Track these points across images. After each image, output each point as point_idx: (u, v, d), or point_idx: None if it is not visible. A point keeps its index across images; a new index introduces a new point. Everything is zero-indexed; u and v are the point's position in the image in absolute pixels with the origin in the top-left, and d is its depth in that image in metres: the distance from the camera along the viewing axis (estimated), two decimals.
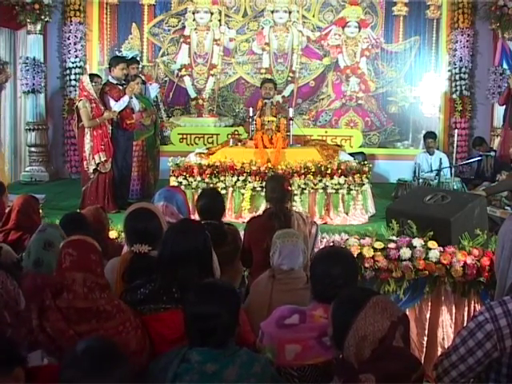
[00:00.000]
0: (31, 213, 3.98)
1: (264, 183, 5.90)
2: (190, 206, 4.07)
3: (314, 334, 2.21)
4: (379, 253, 4.54)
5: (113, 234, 4.69)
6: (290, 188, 4.02)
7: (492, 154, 7.77)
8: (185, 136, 9.16)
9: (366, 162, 6.48)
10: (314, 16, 9.10)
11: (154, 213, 2.96)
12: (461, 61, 8.83)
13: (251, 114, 6.85)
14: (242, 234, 4.66)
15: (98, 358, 1.65)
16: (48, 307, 2.22)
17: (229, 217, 6.00)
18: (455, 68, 8.88)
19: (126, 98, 6.50)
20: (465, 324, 4.43)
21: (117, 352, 1.71)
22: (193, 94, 9.17)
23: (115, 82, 6.65)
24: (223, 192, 6.04)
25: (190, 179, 6.07)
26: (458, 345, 2.09)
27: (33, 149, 8.72)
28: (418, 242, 4.55)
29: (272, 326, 2.29)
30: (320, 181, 6.01)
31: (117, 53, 8.77)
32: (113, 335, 2.24)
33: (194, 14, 9.06)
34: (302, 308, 2.37)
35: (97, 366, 1.62)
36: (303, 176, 5.97)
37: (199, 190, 5.70)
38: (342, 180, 6.00)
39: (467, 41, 8.80)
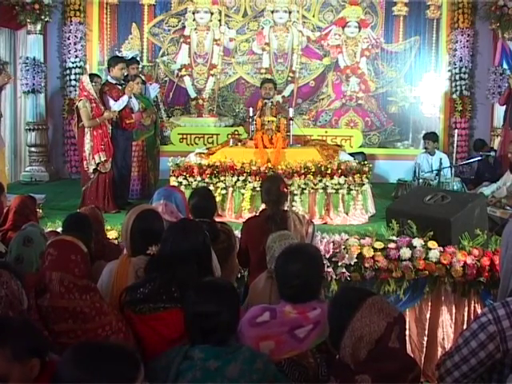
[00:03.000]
0: (28, 213, 3.98)
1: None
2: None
3: (286, 328, 2.23)
4: (379, 253, 4.54)
5: (112, 234, 4.68)
6: (286, 189, 3.91)
7: (492, 154, 7.77)
8: (185, 136, 9.16)
9: (366, 162, 6.47)
10: (314, 16, 9.10)
11: (158, 213, 2.97)
12: (461, 61, 8.83)
13: (251, 114, 6.85)
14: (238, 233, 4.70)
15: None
16: (31, 307, 2.26)
17: (229, 217, 6.00)
18: (455, 68, 8.88)
19: (125, 98, 6.50)
20: (465, 324, 4.45)
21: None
22: (193, 94, 9.17)
23: (114, 81, 6.65)
24: (223, 192, 6.05)
25: (190, 179, 6.06)
26: (460, 345, 2.09)
27: (33, 149, 8.72)
28: (418, 242, 4.55)
29: (245, 325, 2.30)
30: (320, 181, 6.00)
31: (117, 53, 8.77)
32: (91, 337, 2.27)
33: (193, 14, 9.06)
34: (273, 306, 2.40)
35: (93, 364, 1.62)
36: (303, 176, 5.96)
37: None
38: (341, 180, 5.99)
39: (467, 41, 8.81)
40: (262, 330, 2.26)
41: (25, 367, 1.80)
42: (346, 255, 4.50)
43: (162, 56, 9.11)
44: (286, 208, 3.89)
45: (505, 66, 8.59)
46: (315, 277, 2.41)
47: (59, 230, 4.03)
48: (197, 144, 8.96)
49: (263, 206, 3.97)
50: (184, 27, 9.08)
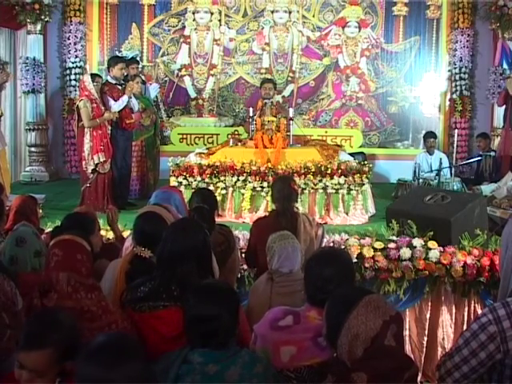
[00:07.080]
0: (29, 213, 3.97)
1: (264, 183, 5.92)
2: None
3: (309, 334, 2.19)
4: (379, 253, 4.54)
5: (111, 234, 4.67)
6: (296, 188, 4.00)
7: (492, 154, 7.77)
8: (185, 136, 9.16)
9: (366, 162, 6.48)
10: (313, 16, 9.09)
11: (163, 219, 2.98)
12: (461, 61, 8.83)
13: (251, 114, 6.85)
14: (242, 233, 4.70)
15: (114, 352, 1.56)
16: (35, 306, 2.26)
17: (229, 217, 6.00)
18: (455, 68, 8.88)
19: (125, 98, 6.50)
20: (465, 324, 4.44)
21: (132, 345, 1.63)
22: (193, 94, 9.17)
23: (114, 81, 6.66)
24: (223, 192, 6.05)
25: (190, 179, 6.07)
26: (461, 346, 2.09)
27: (33, 149, 8.72)
28: (418, 242, 4.55)
29: (266, 328, 2.26)
30: (320, 181, 6.00)
31: (117, 53, 8.77)
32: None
33: (193, 14, 9.06)
34: (296, 309, 2.34)
35: (113, 361, 1.54)
36: (303, 176, 5.96)
37: None
38: (342, 180, 6.00)
39: (467, 41, 8.80)
40: (284, 335, 2.20)
41: (61, 369, 1.74)
42: None
43: (162, 56, 9.11)
44: (296, 209, 3.90)
45: (505, 65, 8.59)
46: (349, 282, 2.34)
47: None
48: (197, 144, 8.96)
49: (272, 207, 3.98)
50: (184, 27, 9.07)
